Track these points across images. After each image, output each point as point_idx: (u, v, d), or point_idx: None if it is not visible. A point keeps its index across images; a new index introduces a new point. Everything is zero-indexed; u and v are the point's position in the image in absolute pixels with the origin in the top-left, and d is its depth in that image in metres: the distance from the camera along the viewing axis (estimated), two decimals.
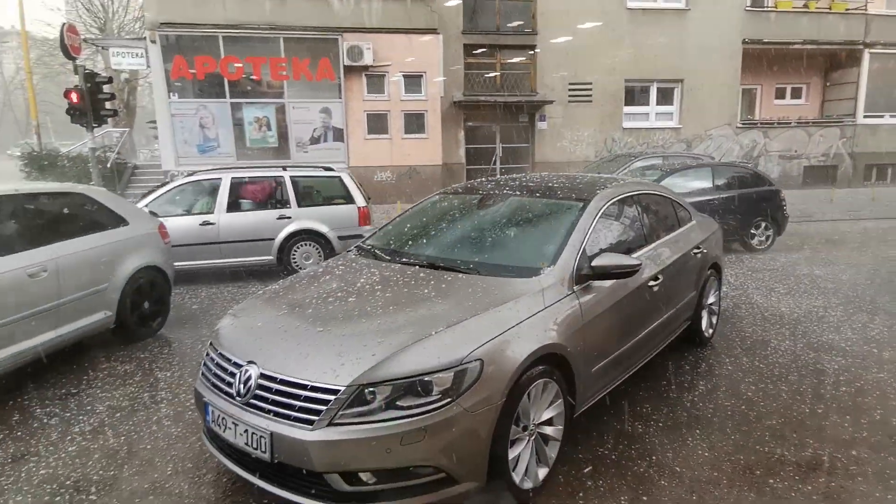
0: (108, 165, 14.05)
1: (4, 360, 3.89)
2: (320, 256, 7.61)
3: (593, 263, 3.17)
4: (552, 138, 17.49)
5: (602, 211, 3.58)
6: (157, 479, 3.04)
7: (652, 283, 3.74)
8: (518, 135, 17.69)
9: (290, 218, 7.47)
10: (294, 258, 7.56)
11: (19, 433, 3.56)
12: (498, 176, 4.86)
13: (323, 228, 7.59)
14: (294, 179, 7.71)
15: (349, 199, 7.78)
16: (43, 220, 4.47)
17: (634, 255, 3.53)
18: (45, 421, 3.71)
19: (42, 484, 3.01)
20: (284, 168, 7.99)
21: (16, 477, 3.08)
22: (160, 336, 5.35)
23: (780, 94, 20.18)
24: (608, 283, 3.30)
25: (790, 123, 18.97)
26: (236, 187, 7.46)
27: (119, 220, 5.10)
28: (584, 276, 3.16)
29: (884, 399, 3.85)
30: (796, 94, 20.29)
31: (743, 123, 18.64)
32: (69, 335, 4.42)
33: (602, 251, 3.35)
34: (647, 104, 18.12)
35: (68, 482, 3.02)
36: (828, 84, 20.10)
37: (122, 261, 4.96)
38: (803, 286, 6.88)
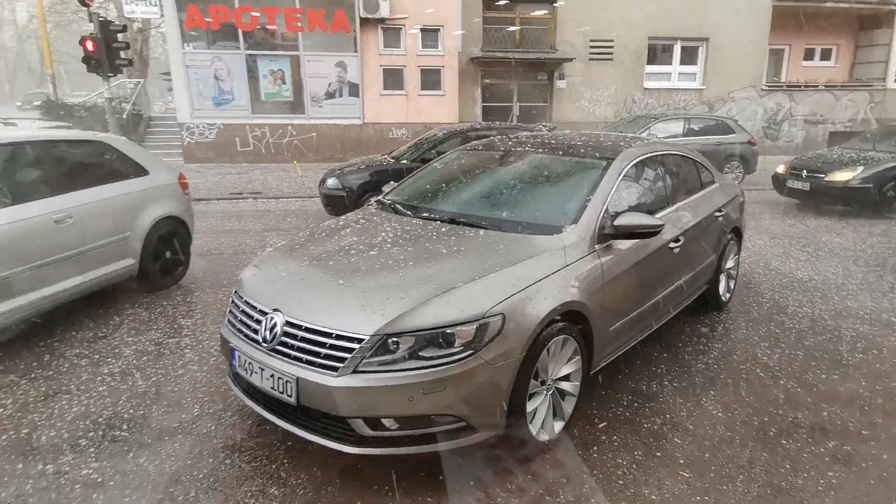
0: (125, 116, 14.03)
1: (35, 303, 4.00)
2: None
3: (616, 223, 3.16)
4: (571, 97, 17.13)
5: (625, 170, 3.54)
6: (184, 419, 3.16)
7: (673, 244, 3.73)
8: (536, 93, 17.34)
9: None
10: None
11: (51, 373, 3.69)
12: (519, 134, 4.82)
13: None
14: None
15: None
16: (66, 168, 4.51)
17: (657, 217, 3.50)
18: (75, 362, 3.84)
19: (75, 420, 3.14)
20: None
21: (49, 413, 3.21)
22: (182, 285, 5.45)
23: (809, 55, 19.48)
24: (629, 243, 3.30)
25: (818, 86, 18.37)
26: None
27: (140, 170, 5.13)
28: (607, 235, 3.16)
29: None
30: (826, 55, 19.58)
31: (768, 85, 18.09)
32: (95, 281, 4.51)
33: (624, 211, 3.33)
34: (670, 63, 17.61)
35: (100, 419, 3.15)
36: (859, 46, 19.37)
37: (143, 210, 5.01)
38: None
